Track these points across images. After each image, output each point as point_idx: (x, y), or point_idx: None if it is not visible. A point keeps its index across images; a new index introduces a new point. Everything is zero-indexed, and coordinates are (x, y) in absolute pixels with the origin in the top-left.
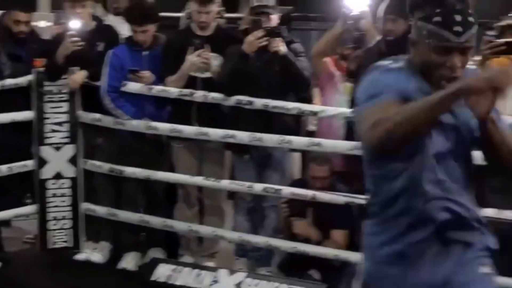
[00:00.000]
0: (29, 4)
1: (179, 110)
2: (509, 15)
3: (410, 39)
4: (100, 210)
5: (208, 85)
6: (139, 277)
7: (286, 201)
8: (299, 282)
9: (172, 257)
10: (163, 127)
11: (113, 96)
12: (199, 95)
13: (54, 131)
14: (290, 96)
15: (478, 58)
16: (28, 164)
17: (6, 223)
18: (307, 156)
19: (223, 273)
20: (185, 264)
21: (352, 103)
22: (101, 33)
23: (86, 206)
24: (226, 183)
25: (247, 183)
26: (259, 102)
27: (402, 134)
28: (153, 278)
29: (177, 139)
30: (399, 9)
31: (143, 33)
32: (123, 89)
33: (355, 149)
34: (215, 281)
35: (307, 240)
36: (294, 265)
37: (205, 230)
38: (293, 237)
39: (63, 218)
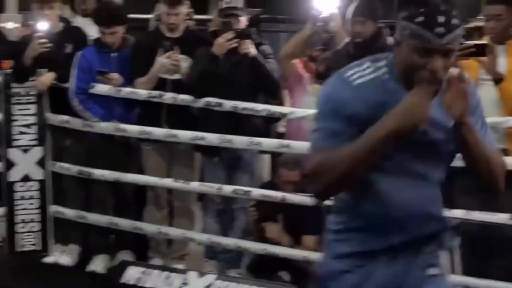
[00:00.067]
0: None
1: (149, 112)
2: (477, 17)
3: (394, 39)
4: (69, 213)
5: (178, 87)
6: (108, 279)
7: (253, 204)
8: (268, 284)
9: (142, 259)
10: (132, 129)
11: (82, 98)
12: (168, 97)
13: (22, 133)
14: (260, 98)
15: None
16: None
17: None
18: (276, 158)
19: (192, 275)
20: (155, 267)
21: None
22: (69, 35)
23: (54, 209)
24: (195, 185)
25: (217, 185)
26: (228, 104)
27: (341, 185)
28: (122, 280)
29: (146, 141)
30: (367, 11)
31: (112, 34)
32: (91, 91)
33: None
34: (185, 284)
35: (277, 242)
36: (263, 267)
37: (174, 232)
38: (263, 240)
39: (32, 221)
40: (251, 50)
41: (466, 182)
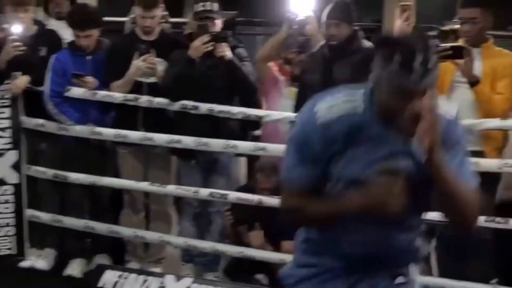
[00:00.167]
0: None
1: (125, 115)
2: (452, 20)
3: (372, 77)
4: (45, 217)
5: (154, 90)
6: (85, 284)
7: (229, 208)
8: (246, 287)
9: (119, 263)
10: (108, 132)
11: (56, 102)
12: (144, 100)
13: None
14: (236, 101)
15: None
16: None
17: None
18: (253, 161)
19: (169, 278)
20: (132, 270)
21: (297, 108)
22: (44, 38)
23: (30, 213)
24: (171, 189)
25: (193, 188)
26: (204, 107)
27: (312, 227)
28: (99, 284)
29: (122, 145)
30: (342, 14)
31: (86, 37)
32: (66, 94)
33: None
34: (162, 287)
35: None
36: (240, 270)
37: (151, 235)
38: (239, 244)
39: (7, 225)
40: (227, 53)
41: None
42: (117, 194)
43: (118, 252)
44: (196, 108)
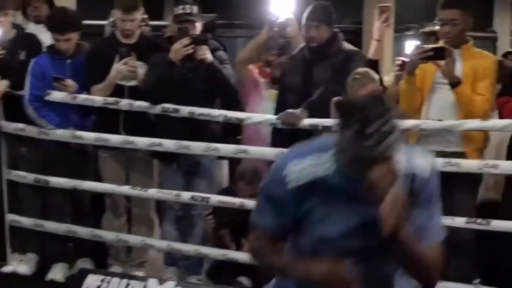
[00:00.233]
0: None
1: (106, 119)
2: (433, 22)
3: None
4: (26, 221)
5: (135, 93)
6: None
7: (210, 212)
8: None
9: (101, 267)
10: (89, 136)
11: (36, 106)
12: (125, 103)
13: None
14: (217, 104)
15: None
16: None
17: None
18: (235, 164)
19: (152, 282)
20: (114, 274)
21: (277, 110)
22: (23, 42)
23: (11, 218)
24: (153, 192)
25: (175, 192)
26: (185, 110)
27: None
28: None
29: (103, 148)
30: (321, 16)
31: (66, 41)
32: (47, 98)
33: None
34: None
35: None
36: (223, 273)
37: (133, 239)
38: (222, 248)
39: None
40: (208, 56)
41: None
42: (99, 198)
43: (101, 256)
44: (177, 111)
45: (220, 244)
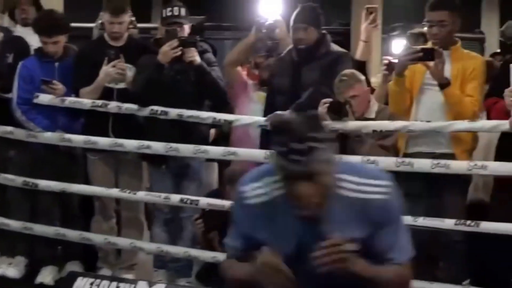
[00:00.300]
0: None
1: (95, 122)
2: (421, 23)
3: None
4: (14, 224)
5: (124, 96)
6: None
7: (199, 217)
8: None
9: (90, 270)
10: (77, 139)
11: (24, 109)
12: (113, 106)
13: None
14: (206, 106)
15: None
16: None
17: None
18: (224, 166)
19: (142, 285)
20: (104, 277)
21: (266, 112)
22: (10, 45)
23: None
24: (142, 195)
25: (164, 194)
26: (173, 112)
27: None
28: None
29: (92, 151)
30: (310, 18)
31: (54, 44)
32: (35, 101)
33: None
34: None
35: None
36: (213, 275)
37: (123, 242)
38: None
39: None
40: (196, 58)
41: (412, 187)
42: (88, 200)
43: (90, 259)
44: (165, 113)
45: (209, 247)
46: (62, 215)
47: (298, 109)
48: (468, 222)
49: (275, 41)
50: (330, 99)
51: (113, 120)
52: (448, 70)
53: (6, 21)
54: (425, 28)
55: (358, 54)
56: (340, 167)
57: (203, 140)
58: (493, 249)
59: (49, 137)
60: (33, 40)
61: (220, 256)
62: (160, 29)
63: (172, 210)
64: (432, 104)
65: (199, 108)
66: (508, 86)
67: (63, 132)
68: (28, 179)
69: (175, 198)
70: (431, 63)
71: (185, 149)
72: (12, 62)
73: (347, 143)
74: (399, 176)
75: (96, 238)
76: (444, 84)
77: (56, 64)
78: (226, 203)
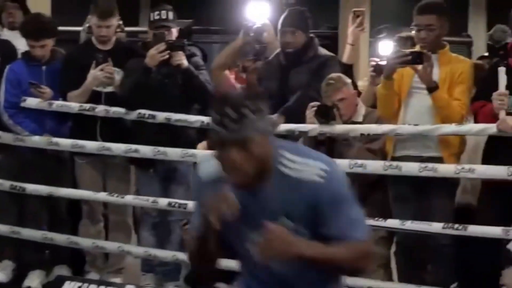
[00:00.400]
0: None
1: (83, 125)
2: (410, 27)
3: None
4: (2, 228)
5: (112, 99)
6: None
7: (186, 222)
8: None
9: (78, 274)
10: (65, 142)
11: (11, 112)
12: (101, 109)
13: None
14: (194, 109)
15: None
16: None
17: None
18: None
19: None
20: (91, 281)
21: None
22: None
23: None
24: (130, 199)
25: (152, 198)
26: (161, 116)
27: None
28: None
29: (80, 155)
30: (297, 21)
31: (41, 47)
32: (22, 104)
33: None
34: None
35: None
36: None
37: (110, 246)
38: None
39: None
40: (184, 61)
41: (399, 190)
42: (75, 204)
43: (78, 263)
44: (153, 117)
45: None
46: (49, 219)
47: (286, 113)
48: (456, 225)
49: (262, 45)
50: (317, 103)
51: (101, 123)
52: (436, 74)
53: None
54: (413, 32)
55: (344, 57)
56: (283, 145)
57: (191, 143)
58: (480, 252)
59: (36, 141)
60: (20, 44)
61: None
62: (149, 33)
63: (160, 214)
64: (420, 107)
65: (187, 111)
66: (496, 89)
67: (50, 136)
68: (15, 183)
69: (163, 201)
70: (420, 67)
71: (173, 153)
72: None
73: (335, 146)
74: (387, 180)
75: (83, 242)
76: (432, 88)
77: (44, 67)
78: None
